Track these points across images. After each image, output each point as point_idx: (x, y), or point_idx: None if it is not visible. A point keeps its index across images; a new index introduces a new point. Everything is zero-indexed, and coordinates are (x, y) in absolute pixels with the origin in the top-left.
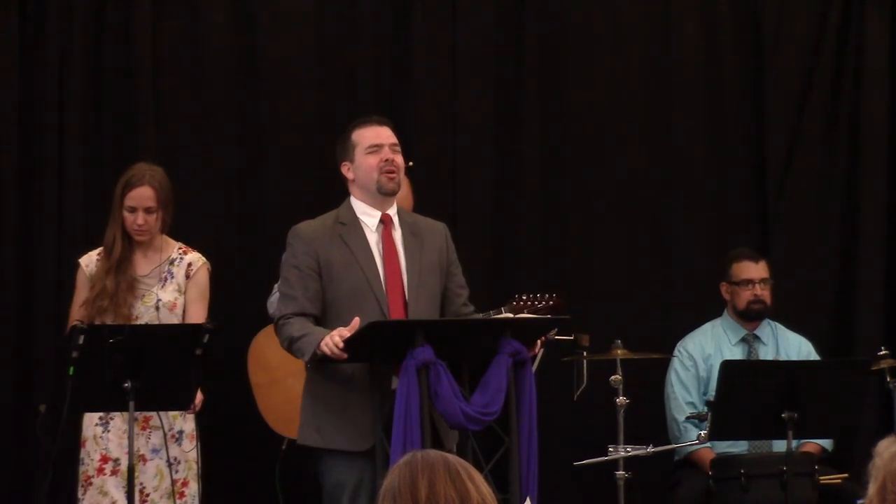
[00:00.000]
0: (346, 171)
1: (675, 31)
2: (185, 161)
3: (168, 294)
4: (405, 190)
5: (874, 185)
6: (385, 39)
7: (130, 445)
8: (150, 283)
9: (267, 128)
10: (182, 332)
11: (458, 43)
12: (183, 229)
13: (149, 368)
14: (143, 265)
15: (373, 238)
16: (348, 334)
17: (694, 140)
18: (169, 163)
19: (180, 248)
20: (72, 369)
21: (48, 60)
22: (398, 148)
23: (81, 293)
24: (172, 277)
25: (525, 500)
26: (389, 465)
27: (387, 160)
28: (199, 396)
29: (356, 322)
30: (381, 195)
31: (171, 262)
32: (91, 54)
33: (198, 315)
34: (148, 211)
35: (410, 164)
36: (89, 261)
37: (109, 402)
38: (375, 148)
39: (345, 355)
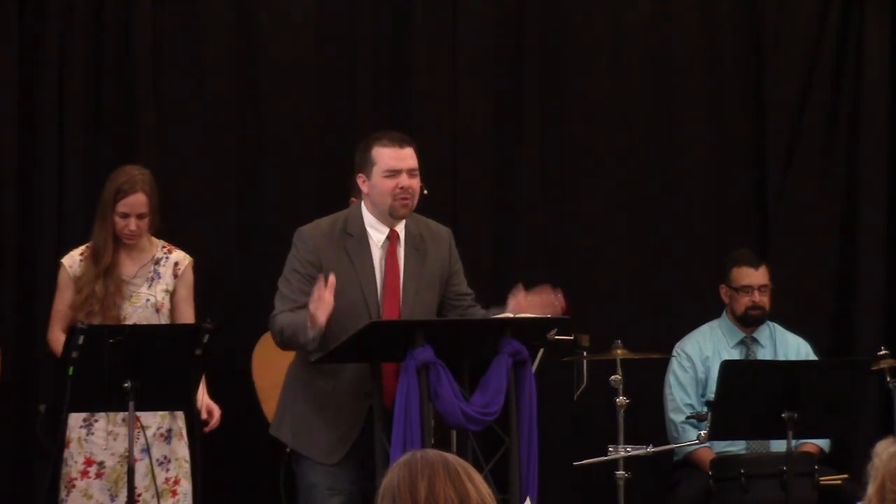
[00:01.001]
0: (362, 182)
1: (675, 31)
2: (185, 161)
3: (157, 294)
4: None
5: (874, 185)
6: (385, 39)
7: (130, 446)
8: (138, 283)
9: (267, 128)
10: (182, 332)
11: (458, 43)
12: (182, 230)
13: (148, 368)
14: (129, 266)
15: (377, 254)
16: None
17: (694, 140)
18: (169, 163)
19: (164, 247)
20: (72, 369)
21: (48, 60)
22: (416, 172)
23: (65, 293)
24: (159, 277)
25: (525, 500)
26: (389, 465)
27: (403, 188)
28: (216, 414)
29: (332, 280)
30: (392, 218)
31: (157, 262)
32: (91, 54)
33: (188, 313)
34: (140, 217)
35: (426, 192)
36: (72, 261)
37: (109, 402)
38: (393, 173)
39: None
